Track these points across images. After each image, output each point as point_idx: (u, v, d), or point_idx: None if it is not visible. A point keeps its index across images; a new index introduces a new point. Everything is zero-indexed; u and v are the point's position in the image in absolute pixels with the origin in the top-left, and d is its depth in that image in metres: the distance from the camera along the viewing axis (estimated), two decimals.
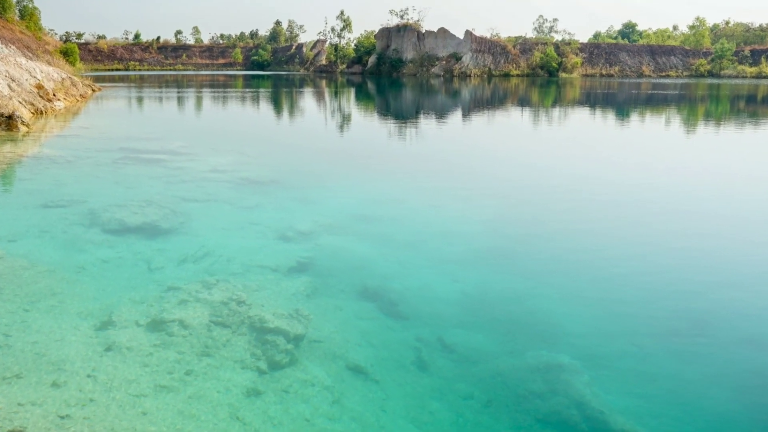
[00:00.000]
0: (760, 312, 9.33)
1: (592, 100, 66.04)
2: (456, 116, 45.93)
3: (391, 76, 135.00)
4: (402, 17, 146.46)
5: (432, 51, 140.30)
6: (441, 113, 47.64)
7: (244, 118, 43.26)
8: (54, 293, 9.30)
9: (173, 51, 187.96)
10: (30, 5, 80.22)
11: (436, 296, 9.82)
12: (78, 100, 46.82)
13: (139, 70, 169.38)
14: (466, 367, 7.59)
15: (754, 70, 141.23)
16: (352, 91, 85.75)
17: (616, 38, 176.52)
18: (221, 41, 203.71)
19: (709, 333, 8.58)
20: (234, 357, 7.59)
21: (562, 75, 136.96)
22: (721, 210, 15.56)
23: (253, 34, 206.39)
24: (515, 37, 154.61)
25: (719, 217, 14.90)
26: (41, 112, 35.04)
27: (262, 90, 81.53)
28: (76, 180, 17.70)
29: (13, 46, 43.43)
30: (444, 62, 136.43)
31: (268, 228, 13.26)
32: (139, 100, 57.14)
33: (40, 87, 38.65)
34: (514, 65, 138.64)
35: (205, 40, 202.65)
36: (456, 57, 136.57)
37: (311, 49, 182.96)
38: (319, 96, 71.43)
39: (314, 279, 10.31)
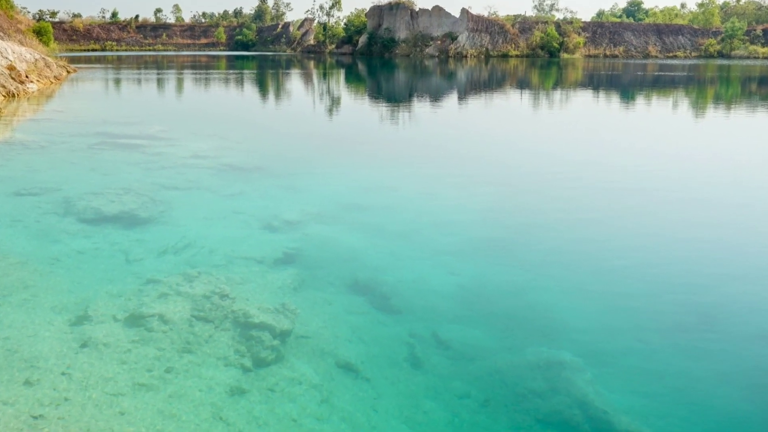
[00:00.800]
0: None
1: (595, 82, 66.06)
2: (451, 99, 45.87)
3: (383, 56, 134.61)
4: None
5: (426, 30, 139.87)
6: (435, 96, 47.58)
7: (227, 101, 43.08)
8: (26, 286, 9.24)
9: (153, 30, 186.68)
10: None
11: (431, 289, 9.80)
12: (52, 82, 46.52)
13: (117, 50, 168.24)
14: (462, 365, 7.58)
15: (766, 50, 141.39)
16: (342, 72, 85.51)
17: (620, 17, 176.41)
18: (203, 20, 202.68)
19: (718, 328, 8.60)
20: (217, 354, 7.56)
21: (564, 56, 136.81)
22: (731, 198, 15.59)
23: (237, 13, 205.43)
24: (514, 15, 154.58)
25: (729, 206, 14.93)
26: (13, 95, 34.82)
27: (246, 71, 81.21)
28: (49, 166, 17.60)
29: None
30: (439, 42, 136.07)
31: (252, 217, 13.21)
32: (117, 82, 56.83)
33: (11, 68, 38.36)
34: (513, 45, 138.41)
35: (187, 18, 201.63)
36: (451, 37, 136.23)
37: (298, 29, 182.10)
38: (307, 78, 71.21)
39: (302, 271, 10.29)
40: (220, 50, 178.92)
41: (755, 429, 6.47)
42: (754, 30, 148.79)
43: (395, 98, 45.98)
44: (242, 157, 19.79)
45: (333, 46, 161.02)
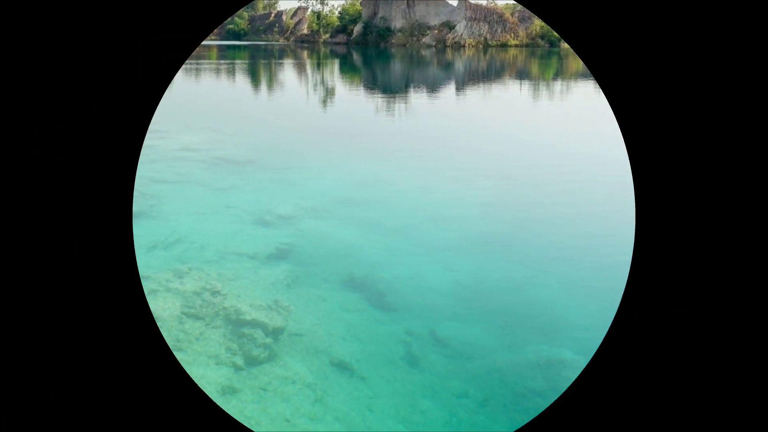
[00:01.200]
0: None
1: None
2: (449, 90, 45.83)
3: (379, 46, 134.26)
4: None
5: (423, 19, 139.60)
6: (433, 87, 47.51)
7: (218, 92, 42.97)
8: None
9: None
10: None
11: (428, 286, 9.79)
12: None
13: None
14: (460, 363, 7.57)
15: None
16: (336, 62, 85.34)
17: None
18: None
19: None
20: (208, 352, 7.54)
21: (564, 46, 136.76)
22: None
23: None
24: (513, 4, 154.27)
25: None
26: None
27: (238, 62, 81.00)
28: None
29: None
30: (436, 32, 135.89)
31: (244, 212, 13.18)
32: None
33: None
34: (513, 35, 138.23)
35: None
36: (449, 26, 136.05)
37: (291, 18, 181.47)
38: (301, 68, 71.06)
39: (295, 267, 10.26)
40: (211, 40, 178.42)
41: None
42: None
43: (391, 89, 45.90)
44: (235, 149, 19.73)
45: (327, 35, 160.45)
